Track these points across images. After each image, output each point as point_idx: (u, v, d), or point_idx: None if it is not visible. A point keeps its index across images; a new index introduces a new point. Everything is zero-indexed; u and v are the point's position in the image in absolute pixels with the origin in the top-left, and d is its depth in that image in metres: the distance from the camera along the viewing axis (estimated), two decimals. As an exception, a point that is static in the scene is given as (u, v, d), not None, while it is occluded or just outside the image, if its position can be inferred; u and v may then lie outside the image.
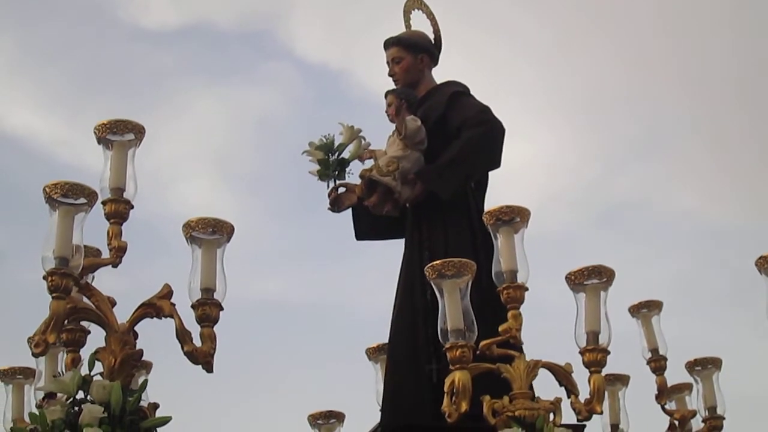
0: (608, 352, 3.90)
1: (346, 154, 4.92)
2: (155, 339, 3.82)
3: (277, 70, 11.17)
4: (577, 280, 3.93)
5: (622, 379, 5.01)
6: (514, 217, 3.95)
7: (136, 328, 3.66)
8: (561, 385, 3.95)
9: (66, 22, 10.50)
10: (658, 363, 4.89)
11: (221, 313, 3.68)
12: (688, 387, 4.98)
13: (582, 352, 3.88)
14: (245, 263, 9.48)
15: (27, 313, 3.98)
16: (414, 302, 4.72)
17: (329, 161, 4.86)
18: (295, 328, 9.84)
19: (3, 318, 7.91)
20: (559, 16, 10.80)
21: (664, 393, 4.93)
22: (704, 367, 4.87)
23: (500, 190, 5.14)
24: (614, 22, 10.89)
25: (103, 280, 3.83)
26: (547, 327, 5.24)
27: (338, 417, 4.91)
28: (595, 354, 3.87)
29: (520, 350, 3.93)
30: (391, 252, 5.17)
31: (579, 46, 11.18)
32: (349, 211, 5.13)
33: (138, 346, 3.63)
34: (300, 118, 10.97)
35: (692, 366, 4.89)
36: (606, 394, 4.96)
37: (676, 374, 4.86)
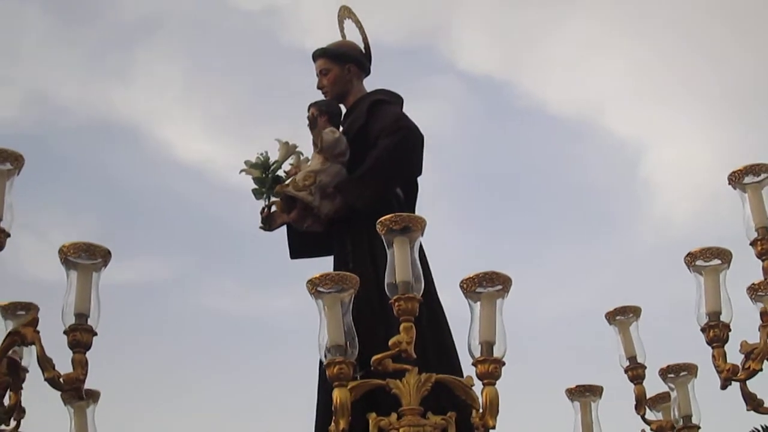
0: (503, 363, 3.66)
1: (282, 172, 4.82)
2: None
3: (441, 84, 11.11)
4: (471, 288, 3.71)
5: (594, 391, 4.75)
6: (407, 226, 3.77)
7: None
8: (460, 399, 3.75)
9: (230, 49, 10.80)
10: (635, 372, 4.67)
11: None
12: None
13: (474, 364, 3.66)
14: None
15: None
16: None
17: (265, 179, 4.77)
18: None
19: None
20: (734, 10, 10.34)
21: (642, 403, 4.67)
22: (678, 374, 4.58)
23: (671, 192, 4.84)
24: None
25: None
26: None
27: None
28: (487, 365, 3.63)
29: (416, 364, 3.72)
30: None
31: (754, 38, 10.66)
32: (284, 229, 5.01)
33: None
34: (466, 131, 10.86)
35: (665, 373, 4.60)
36: (579, 405, 4.77)
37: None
